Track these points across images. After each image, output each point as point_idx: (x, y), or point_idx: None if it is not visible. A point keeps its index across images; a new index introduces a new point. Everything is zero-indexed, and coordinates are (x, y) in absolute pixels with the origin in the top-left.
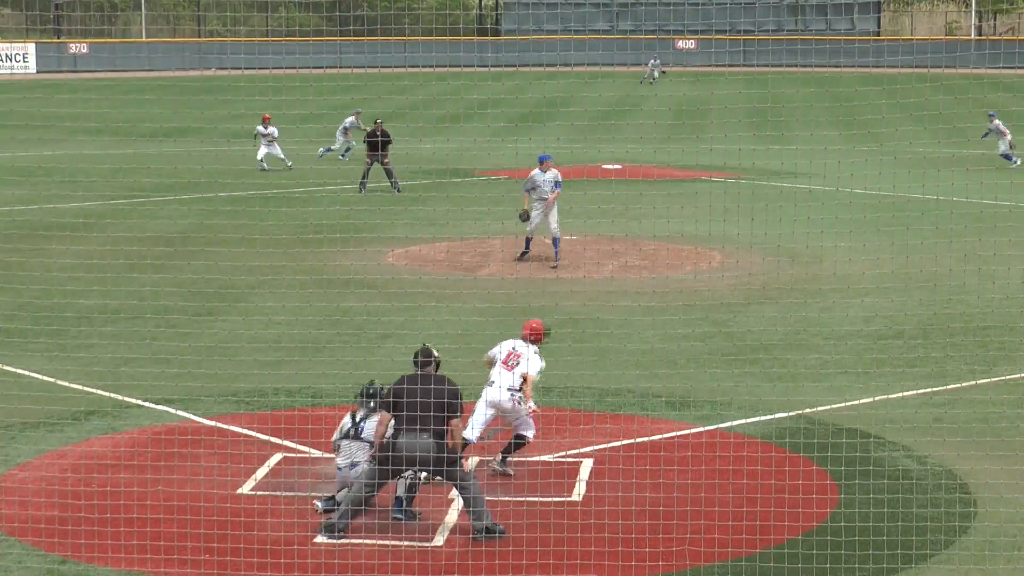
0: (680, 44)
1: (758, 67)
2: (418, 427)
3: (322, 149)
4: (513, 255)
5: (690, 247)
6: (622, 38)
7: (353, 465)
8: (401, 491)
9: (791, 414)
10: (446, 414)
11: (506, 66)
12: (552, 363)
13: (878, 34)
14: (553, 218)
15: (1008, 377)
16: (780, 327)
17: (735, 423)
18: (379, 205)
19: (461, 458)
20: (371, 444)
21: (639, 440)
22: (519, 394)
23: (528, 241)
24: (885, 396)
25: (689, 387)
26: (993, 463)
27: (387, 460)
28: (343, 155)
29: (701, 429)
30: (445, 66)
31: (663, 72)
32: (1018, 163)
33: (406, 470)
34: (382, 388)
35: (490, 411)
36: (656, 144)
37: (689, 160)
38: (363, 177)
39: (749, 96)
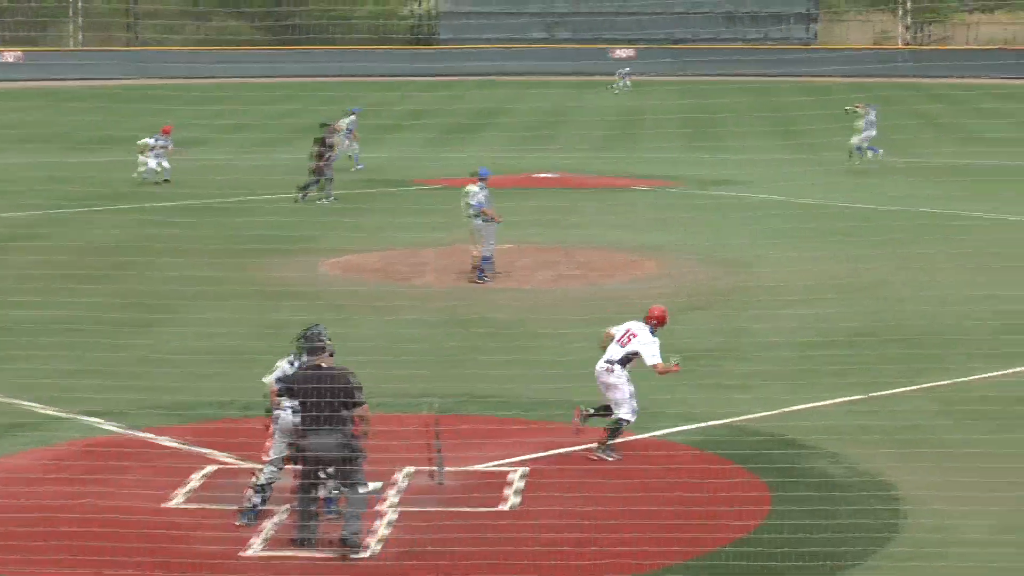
0: (616, 53)
1: (693, 76)
2: (325, 425)
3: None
4: (456, 268)
5: (624, 256)
6: (558, 47)
7: None
8: (327, 493)
9: (722, 422)
10: (346, 410)
11: (442, 75)
12: (484, 375)
13: (812, 43)
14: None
15: (935, 384)
16: (712, 336)
17: (667, 432)
18: (313, 215)
19: None
20: None
21: (571, 450)
22: (616, 365)
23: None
24: (815, 404)
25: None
26: (920, 471)
27: (299, 461)
28: (358, 165)
29: (633, 438)
30: (381, 75)
31: (628, 84)
32: (868, 157)
33: (317, 469)
34: (325, 331)
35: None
36: (592, 153)
37: (624, 169)
38: (305, 187)
39: (684, 105)
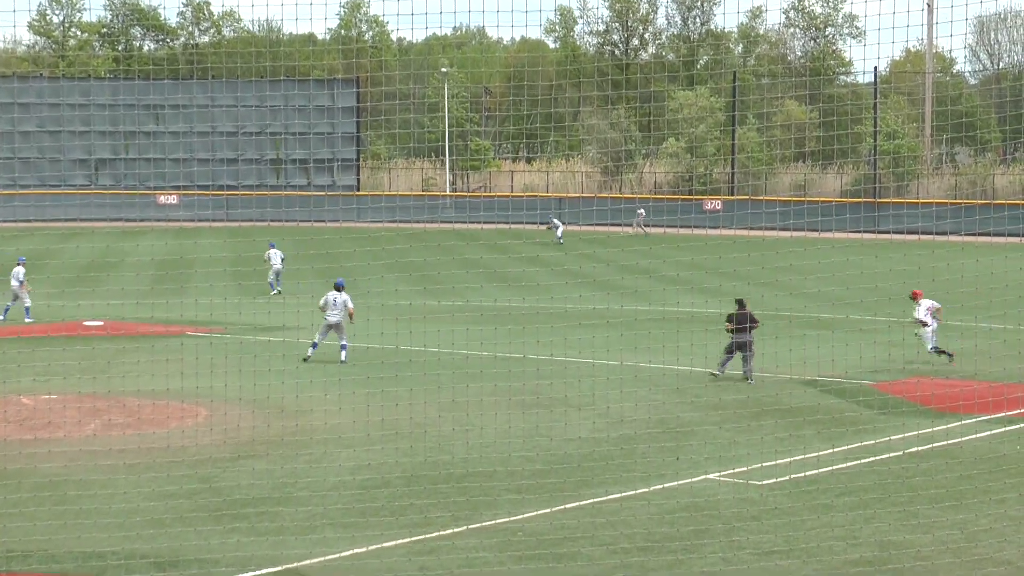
0: (162, 199)
1: (241, 222)
2: None
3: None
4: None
5: (175, 403)
6: (101, 193)
7: None
8: None
9: (280, 568)
10: None
11: None
12: (31, 530)
13: (358, 189)
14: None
15: (490, 523)
16: (268, 481)
17: None
18: None
19: None
20: None
21: None
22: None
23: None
24: (374, 547)
25: (177, 546)
26: None
27: None
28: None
29: None
30: None
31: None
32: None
33: None
34: None
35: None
36: (139, 299)
37: (173, 315)
38: None
39: (234, 246)
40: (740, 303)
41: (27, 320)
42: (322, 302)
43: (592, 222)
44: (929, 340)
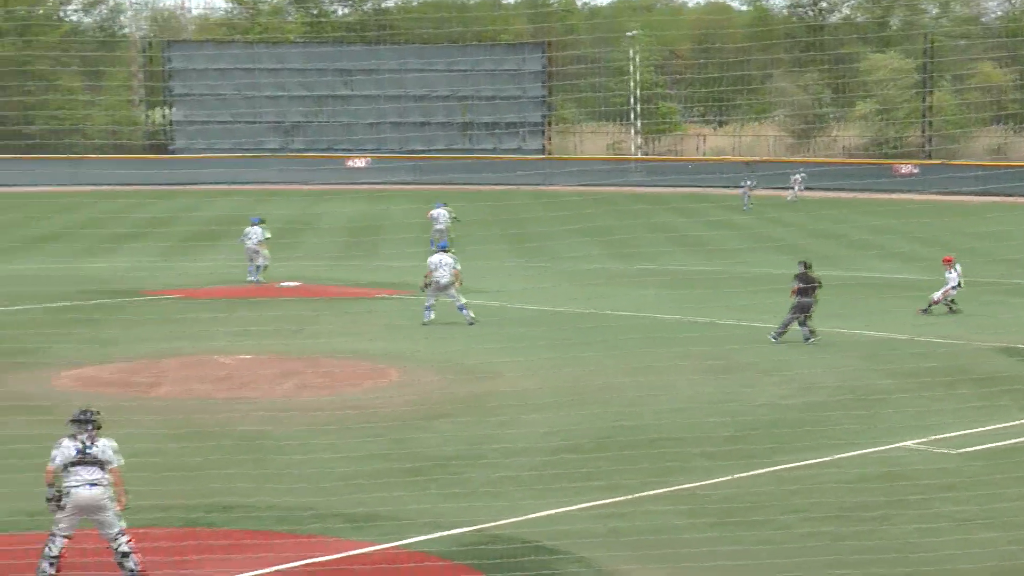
0: (352, 163)
1: (431, 185)
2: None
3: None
4: (196, 378)
5: (368, 364)
6: (295, 157)
7: (92, 484)
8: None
9: (471, 529)
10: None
11: (178, 184)
12: (229, 488)
13: (547, 154)
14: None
15: (680, 487)
16: (458, 443)
17: (415, 540)
18: (41, 327)
19: None
20: (102, 464)
21: (320, 559)
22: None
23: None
24: (564, 509)
25: (369, 506)
26: (669, 573)
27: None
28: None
29: (380, 548)
30: (115, 184)
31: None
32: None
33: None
34: (97, 412)
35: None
36: (331, 261)
37: (365, 277)
38: None
39: (423, 210)
40: (804, 264)
41: (251, 279)
42: (429, 266)
43: (781, 186)
44: (943, 292)
